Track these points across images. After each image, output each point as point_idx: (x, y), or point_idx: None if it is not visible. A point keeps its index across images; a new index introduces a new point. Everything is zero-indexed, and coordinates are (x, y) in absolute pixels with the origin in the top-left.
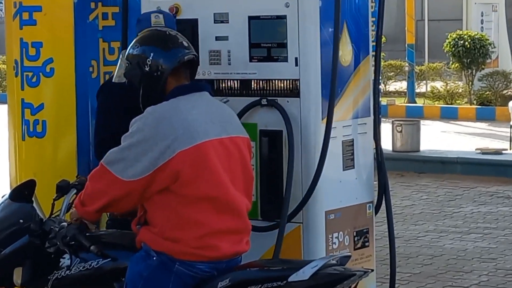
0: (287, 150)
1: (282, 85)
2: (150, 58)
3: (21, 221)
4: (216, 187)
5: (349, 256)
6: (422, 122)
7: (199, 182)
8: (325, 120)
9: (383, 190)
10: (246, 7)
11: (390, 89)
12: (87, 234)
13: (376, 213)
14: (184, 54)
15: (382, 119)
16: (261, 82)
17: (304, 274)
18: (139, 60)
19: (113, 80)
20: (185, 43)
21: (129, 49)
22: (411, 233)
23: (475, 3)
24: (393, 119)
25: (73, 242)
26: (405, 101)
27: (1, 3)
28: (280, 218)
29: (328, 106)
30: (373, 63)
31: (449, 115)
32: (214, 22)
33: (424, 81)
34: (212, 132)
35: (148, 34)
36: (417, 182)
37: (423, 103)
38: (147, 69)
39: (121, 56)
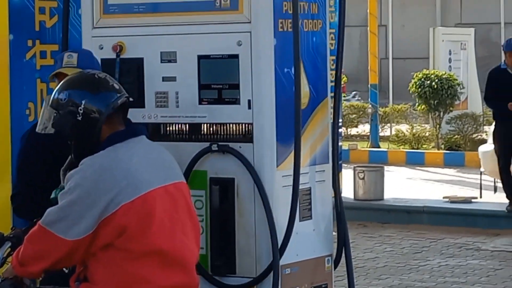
0: (239, 199)
1: (234, 129)
2: (82, 105)
3: None
4: (164, 239)
5: None
6: (386, 168)
7: (145, 236)
8: (280, 166)
9: (343, 242)
10: (195, 46)
11: (352, 133)
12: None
13: (335, 267)
14: (117, 98)
15: (344, 165)
16: (211, 126)
17: None
18: (70, 108)
19: (37, 130)
20: (116, 86)
21: (55, 96)
22: None
23: (443, 41)
24: (355, 165)
25: None
26: (368, 146)
27: None
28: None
29: (294, 152)
30: (332, 105)
31: (415, 161)
32: (161, 62)
33: (389, 124)
34: (156, 180)
35: (75, 78)
36: (380, 233)
37: (388, 148)
38: (79, 118)
39: (44, 103)
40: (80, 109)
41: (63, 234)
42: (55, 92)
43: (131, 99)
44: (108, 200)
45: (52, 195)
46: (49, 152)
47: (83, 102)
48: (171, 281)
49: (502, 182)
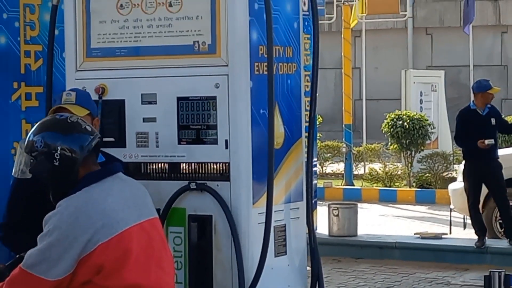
0: (217, 235)
1: (212, 168)
2: (58, 151)
3: None
4: (140, 275)
5: None
6: (360, 205)
7: (122, 273)
8: (256, 204)
9: (317, 277)
10: (174, 88)
11: (327, 171)
12: None
13: None
14: (91, 140)
15: (319, 202)
16: (190, 165)
17: None
18: (46, 154)
19: (13, 174)
20: (88, 128)
21: (29, 139)
22: None
23: (414, 83)
24: (330, 202)
25: None
26: (343, 184)
27: None
28: None
29: (267, 191)
30: (306, 144)
31: (387, 198)
32: (142, 103)
33: (362, 163)
34: (131, 218)
35: (47, 121)
36: (354, 268)
37: (361, 186)
38: (56, 163)
39: (19, 148)
40: (57, 155)
41: (44, 275)
42: (29, 135)
43: (106, 138)
44: (86, 241)
45: None
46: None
47: (59, 147)
48: None
49: (471, 219)
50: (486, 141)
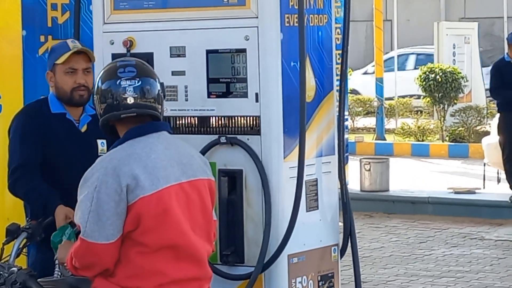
0: (247, 190)
1: (242, 122)
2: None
3: None
4: (177, 235)
5: None
6: (391, 160)
7: (160, 231)
8: (287, 158)
9: (349, 232)
10: (204, 41)
11: (358, 125)
12: (41, 279)
13: (341, 257)
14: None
15: (350, 156)
16: (220, 119)
17: None
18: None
19: None
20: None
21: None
22: (380, 277)
23: (447, 35)
24: (361, 157)
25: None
26: (374, 138)
27: None
28: (256, 266)
29: (298, 145)
30: (338, 98)
31: (420, 153)
32: (170, 56)
33: (394, 117)
34: (172, 176)
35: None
36: (386, 223)
37: (393, 140)
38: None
39: None
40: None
41: (103, 239)
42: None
43: None
44: (127, 193)
45: (53, 239)
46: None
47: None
48: (184, 274)
49: (506, 173)
50: None
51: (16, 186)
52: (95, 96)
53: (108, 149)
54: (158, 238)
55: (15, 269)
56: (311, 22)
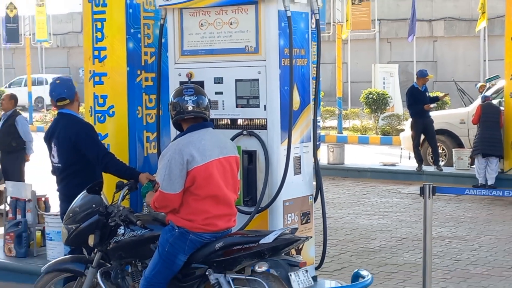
0: (259, 162)
1: (256, 122)
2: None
3: (94, 206)
4: (216, 189)
5: (297, 228)
6: (346, 146)
7: (206, 187)
8: (282, 143)
9: (319, 187)
10: (233, 74)
11: (327, 125)
12: (135, 214)
13: (314, 202)
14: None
15: (322, 144)
16: (243, 120)
17: (269, 238)
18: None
19: None
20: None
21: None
22: (338, 215)
23: (379, 71)
24: (328, 144)
25: (126, 219)
26: (336, 133)
27: None
28: (256, 206)
29: (288, 136)
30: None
31: (363, 142)
32: (214, 83)
33: (348, 120)
34: (214, 154)
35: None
36: (342, 183)
37: (347, 134)
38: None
39: None
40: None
41: (174, 191)
42: (170, 98)
43: None
44: (187, 163)
45: (142, 190)
46: None
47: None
48: (220, 211)
49: (414, 154)
50: (431, 105)
51: (109, 166)
52: (169, 106)
53: (176, 138)
54: (205, 191)
55: (121, 207)
56: (297, 63)
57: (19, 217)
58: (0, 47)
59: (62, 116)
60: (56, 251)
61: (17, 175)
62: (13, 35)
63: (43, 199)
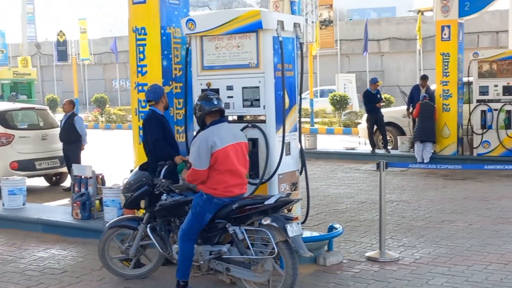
0: (260, 147)
1: (258, 117)
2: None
3: (144, 179)
4: (232, 166)
5: (290, 193)
6: (318, 136)
7: (225, 164)
8: (277, 133)
9: (303, 164)
10: (241, 83)
11: (302, 120)
12: (174, 185)
13: (300, 175)
14: (213, 106)
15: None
16: (248, 116)
17: (271, 200)
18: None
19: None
20: (215, 101)
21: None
22: (313, 186)
23: (341, 79)
24: (304, 134)
25: (167, 189)
26: (309, 126)
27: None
28: (260, 179)
29: (282, 128)
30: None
31: (330, 132)
32: (227, 90)
33: (318, 117)
34: (229, 141)
35: (200, 95)
36: (316, 164)
37: (318, 127)
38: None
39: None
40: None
41: (201, 167)
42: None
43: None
44: (212, 148)
45: (178, 167)
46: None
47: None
48: (236, 181)
49: (369, 141)
50: (382, 103)
51: (156, 149)
52: (195, 107)
53: (199, 131)
54: (224, 167)
55: (163, 180)
56: (287, 75)
57: (83, 190)
58: (53, 64)
59: (149, 110)
60: (111, 214)
61: (76, 160)
62: (62, 55)
63: (100, 176)
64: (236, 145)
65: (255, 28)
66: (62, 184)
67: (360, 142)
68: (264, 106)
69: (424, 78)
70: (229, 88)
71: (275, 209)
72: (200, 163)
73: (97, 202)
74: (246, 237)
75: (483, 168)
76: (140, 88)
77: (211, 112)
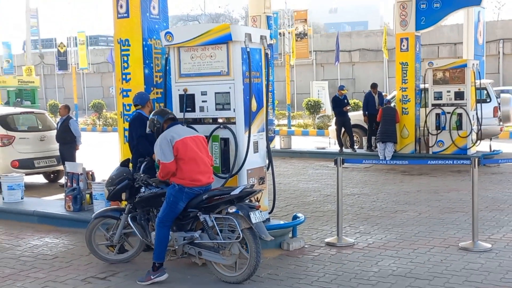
0: (231, 145)
1: (229, 119)
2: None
3: (124, 174)
4: (194, 154)
5: (254, 184)
6: (293, 137)
7: (187, 152)
8: (245, 132)
9: (270, 161)
10: (214, 89)
11: (280, 123)
12: (151, 179)
13: (267, 170)
14: (167, 115)
15: (276, 135)
16: (221, 119)
17: (236, 191)
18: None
19: (147, 132)
20: (168, 111)
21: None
22: (286, 181)
23: (315, 86)
24: (281, 135)
25: (145, 182)
26: (287, 128)
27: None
28: (229, 173)
29: (248, 128)
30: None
31: (305, 134)
32: (201, 95)
33: (295, 119)
34: (186, 134)
35: (154, 111)
36: (290, 162)
37: (294, 129)
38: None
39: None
40: (157, 122)
41: (167, 160)
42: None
43: (188, 108)
44: (170, 141)
45: (156, 163)
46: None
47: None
48: (201, 169)
49: (337, 141)
50: (348, 107)
51: (138, 146)
52: (151, 121)
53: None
54: (187, 156)
55: (142, 175)
56: (254, 81)
57: (74, 185)
58: (54, 73)
59: (136, 112)
60: (99, 207)
61: (71, 159)
62: (63, 64)
63: (90, 173)
64: (194, 137)
65: (226, 40)
66: (59, 181)
67: (330, 143)
68: (234, 109)
69: (374, 86)
70: (203, 93)
71: (240, 199)
72: (165, 157)
73: (88, 195)
74: (215, 224)
75: (427, 164)
76: (124, 93)
77: (166, 120)
